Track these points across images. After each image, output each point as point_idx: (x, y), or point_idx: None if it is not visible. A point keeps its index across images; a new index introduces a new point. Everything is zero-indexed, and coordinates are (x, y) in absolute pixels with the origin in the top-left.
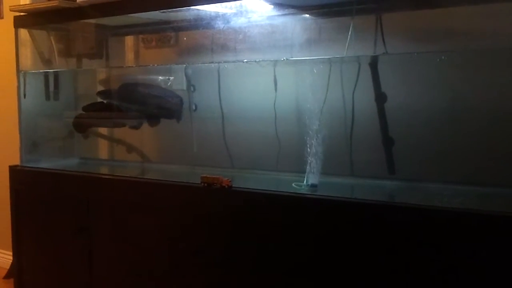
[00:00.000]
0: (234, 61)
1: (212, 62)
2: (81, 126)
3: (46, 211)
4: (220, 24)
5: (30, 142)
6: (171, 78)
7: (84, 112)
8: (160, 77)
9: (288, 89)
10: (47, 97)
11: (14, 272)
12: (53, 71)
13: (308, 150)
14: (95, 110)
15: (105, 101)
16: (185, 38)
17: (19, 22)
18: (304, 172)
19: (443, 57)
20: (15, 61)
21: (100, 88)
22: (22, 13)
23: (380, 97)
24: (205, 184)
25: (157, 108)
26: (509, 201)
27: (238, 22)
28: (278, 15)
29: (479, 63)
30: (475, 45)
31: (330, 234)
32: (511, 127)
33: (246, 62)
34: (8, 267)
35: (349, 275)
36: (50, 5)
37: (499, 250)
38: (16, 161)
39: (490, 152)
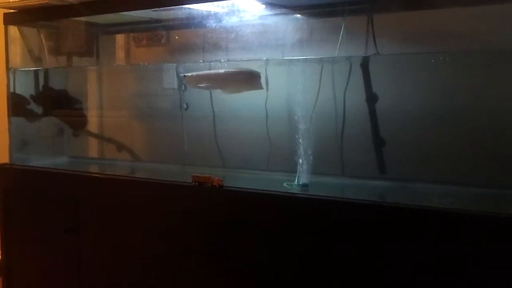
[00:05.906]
0: (225, 61)
1: (203, 61)
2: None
3: (36, 209)
4: (211, 23)
5: (20, 141)
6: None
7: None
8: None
9: (280, 89)
10: None
11: (3, 270)
12: (43, 69)
13: (299, 150)
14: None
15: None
16: (176, 37)
17: (8, 19)
18: (295, 171)
19: (441, 58)
20: (4, 59)
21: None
22: (11, 10)
23: (371, 98)
24: (196, 184)
25: None
26: (499, 202)
27: (230, 21)
28: (270, 15)
29: (471, 64)
30: (467, 46)
31: (321, 233)
32: (502, 128)
33: (239, 61)
34: None
35: (341, 274)
36: (40, 2)
37: (489, 250)
38: (5, 159)
39: (480, 153)
